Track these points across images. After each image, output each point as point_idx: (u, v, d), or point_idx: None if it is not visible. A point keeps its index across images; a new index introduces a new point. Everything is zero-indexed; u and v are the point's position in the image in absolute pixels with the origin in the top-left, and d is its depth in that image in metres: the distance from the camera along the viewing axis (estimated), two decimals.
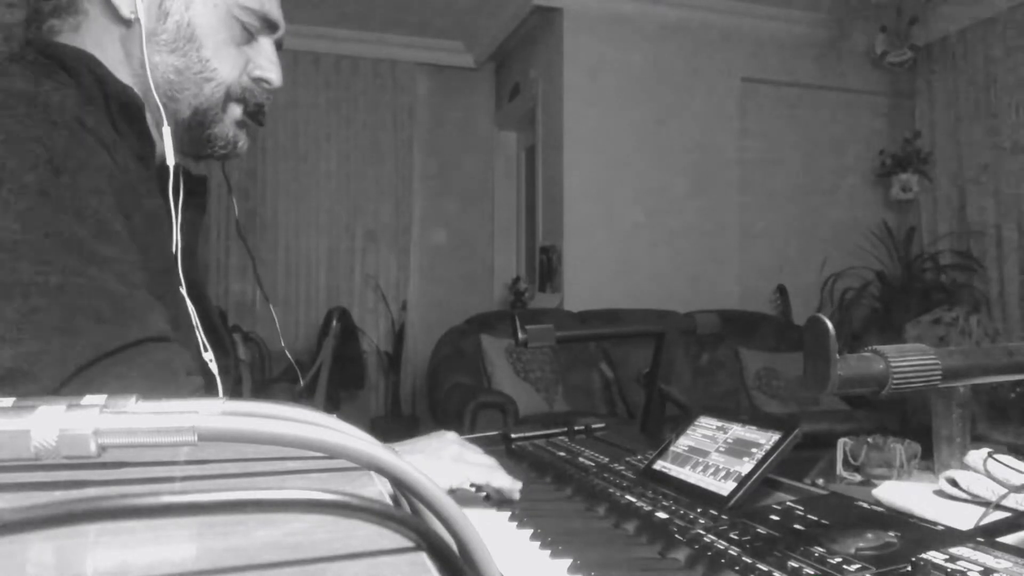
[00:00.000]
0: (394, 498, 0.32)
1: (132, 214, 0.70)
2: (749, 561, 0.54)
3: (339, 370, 3.80)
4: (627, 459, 0.91)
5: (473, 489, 0.83)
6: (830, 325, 0.48)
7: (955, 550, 0.52)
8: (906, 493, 0.87)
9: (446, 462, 0.80)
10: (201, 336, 0.79)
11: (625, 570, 0.59)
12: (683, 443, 0.82)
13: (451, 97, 5.36)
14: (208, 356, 0.79)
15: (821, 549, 0.54)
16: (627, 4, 4.39)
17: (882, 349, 0.50)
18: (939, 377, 0.51)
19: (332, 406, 3.64)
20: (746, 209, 4.65)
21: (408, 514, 0.27)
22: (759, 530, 0.61)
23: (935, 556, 0.51)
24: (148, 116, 0.79)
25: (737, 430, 0.77)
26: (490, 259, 5.44)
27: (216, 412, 0.28)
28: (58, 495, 0.28)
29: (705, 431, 0.81)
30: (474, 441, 0.93)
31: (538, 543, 0.65)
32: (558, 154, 4.35)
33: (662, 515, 0.67)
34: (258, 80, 0.86)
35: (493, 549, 0.28)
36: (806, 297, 4.67)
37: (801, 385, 3.81)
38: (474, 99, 5.39)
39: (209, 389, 0.76)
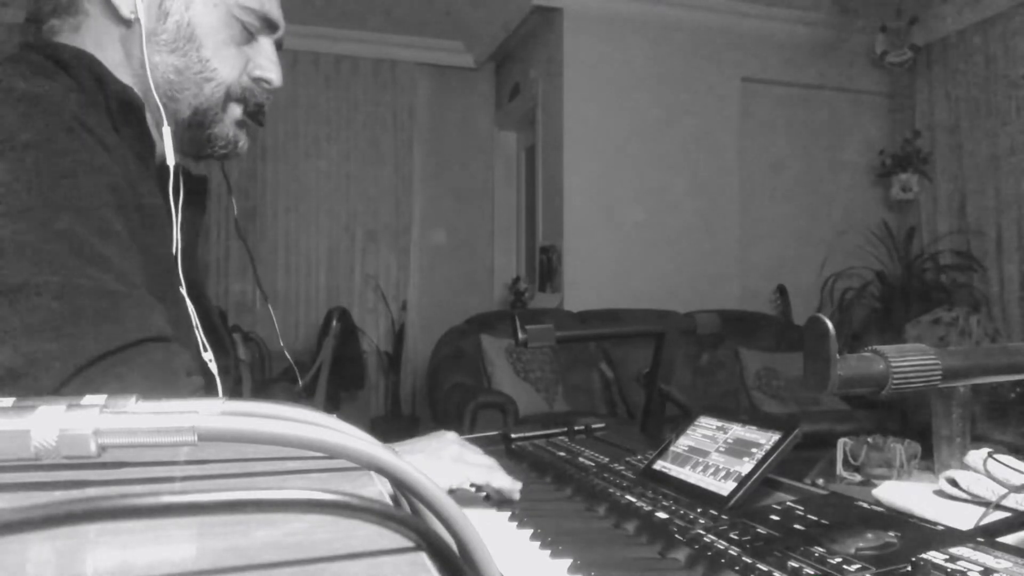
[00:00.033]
0: (394, 498, 0.32)
1: (132, 214, 0.70)
2: (749, 561, 0.54)
3: (339, 370, 3.80)
4: (627, 459, 0.91)
5: (473, 489, 0.83)
6: (830, 325, 0.48)
7: (955, 550, 0.52)
8: (906, 493, 0.87)
9: (446, 462, 0.80)
10: (201, 336, 0.79)
11: (625, 570, 0.59)
12: (683, 443, 0.82)
13: (451, 97, 5.36)
14: (208, 356, 0.79)
15: (821, 549, 0.54)
16: (627, 4, 4.39)
17: (882, 349, 0.50)
18: (939, 377, 0.51)
19: (332, 406, 3.64)
20: (746, 209, 4.65)
21: (408, 514, 0.27)
22: (759, 530, 0.61)
23: (935, 556, 0.51)
24: (148, 116, 0.79)
25: (737, 430, 0.77)
26: (490, 259, 5.44)
27: (216, 412, 0.28)
28: (58, 495, 0.28)
29: (705, 431, 0.81)
30: (474, 441, 0.93)
31: (538, 543, 0.65)
32: (558, 154, 4.35)
33: (662, 515, 0.67)
34: (258, 80, 0.86)
35: (493, 549, 0.28)
36: (806, 297, 4.67)
37: (801, 385, 3.81)
38: (474, 99, 5.39)
39: (209, 389, 0.76)
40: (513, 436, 1.10)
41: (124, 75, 0.78)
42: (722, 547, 0.58)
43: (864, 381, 0.49)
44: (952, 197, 4.61)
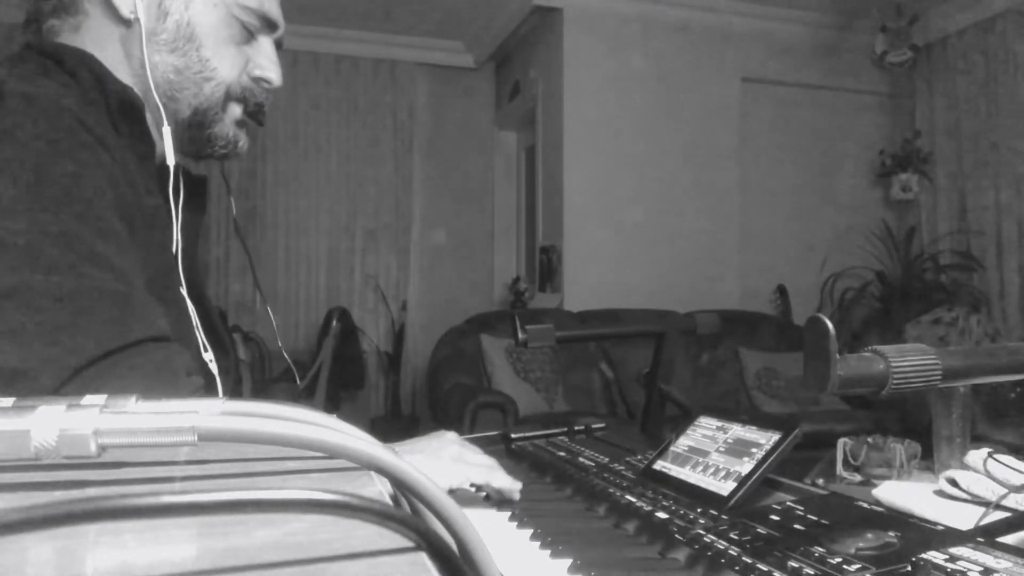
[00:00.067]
0: (394, 498, 0.32)
1: (132, 214, 0.70)
2: (749, 561, 0.54)
3: (339, 370, 3.80)
4: (627, 459, 0.91)
5: (473, 489, 0.83)
6: (830, 325, 0.48)
7: (955, 550, 0.52)
8: (906, 493, 0.87)
9: (446, 462, 0.80)
10: (201, 336, 0.79)
11: (625, 570, 0.59)
12: (683, 443, 0.82)
13: (451, 97, 5.36)
14: (208, 356, 0.79)
15: (821, 549, 0.54)
16: (627, 4, 4.39)
17: (882, 349, 0.50)
18: (939, 377, 0.51)
19: (332, 406, 3.64)
20: (746, 209, 4.65)
21: (408, 514, 0.27)
22: (759, 530, 0.61)
23: (935, 556, 0.51)
24: (148, 116, 0.79)
25: (737, 430, 0.77)
26: (490, 259, 5.44)
27: (216, 412, 0.28)
28: (58, 495, 0.28)
29: (705, 431, 0.81)
30: (474, 441, 0.93)
31: (538, 543, 0.65)
32: (558, 154, 4.35)
33: (662, 515, 0.67)
34: (258, 79, 0.86)
35: (493, 549, 0.28)
36: (806, 297, 4.67)
37: (801, 385, 3.81)
38: (474, 99, 5.39)
39: (209, 389, 0.76)
40: (513, 436, 1.09)
41: (124, 75, 0.78)
42: (722, 547, 0.58)
43: (864, 381, 0.49)
44: (952, 197, 4.61)
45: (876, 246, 4.82)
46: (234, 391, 0.86)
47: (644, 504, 0.71)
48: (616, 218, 4.35)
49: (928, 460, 1.07)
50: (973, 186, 4.45)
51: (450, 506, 0.27)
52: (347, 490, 0.25)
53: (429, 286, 5.27)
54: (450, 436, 0.86)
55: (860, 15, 4.63)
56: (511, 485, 0.79)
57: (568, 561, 0.59)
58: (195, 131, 0.83)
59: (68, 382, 0.58)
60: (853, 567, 0.51)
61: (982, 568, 0.49)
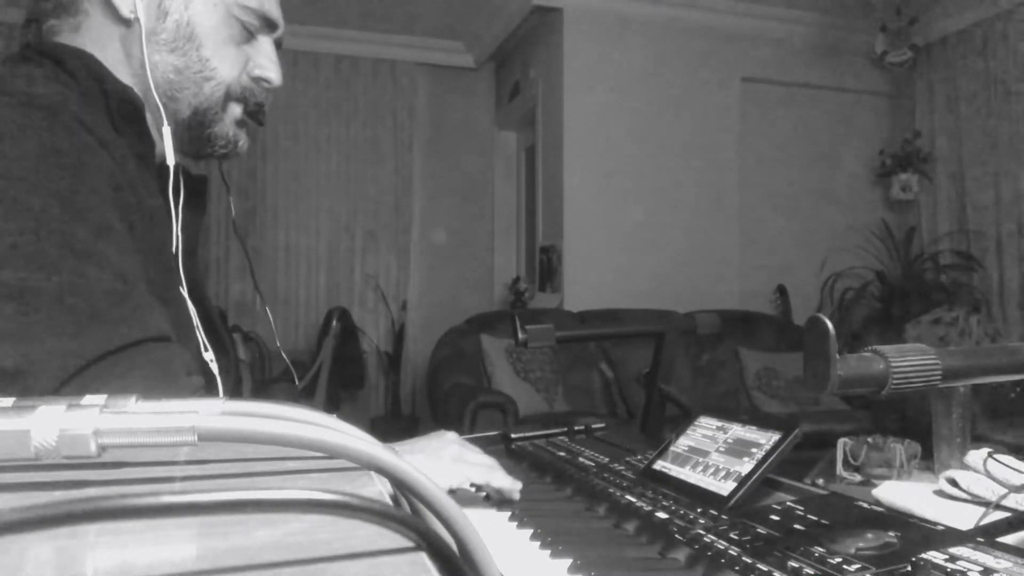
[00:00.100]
0: (394, 498, 0.32)
1: (132, 214, 0.70)
2: (749, 561, 0.54)
3: (339, 370, 3.80)
4: (627, 459, 0.91)
5: (473, 489, 0.83)
6: (830, 325, 0.48)
7: (955, 550, 0.52)
8: (906, 493, 0.87)
9: (446, 462, 0.80)
10: (201, 336, 0.79)
11: (625, 570, 0.59)
12: (683, 443, 0.82)
13: (451, 97, 5.36)
14: (209, 356, 0.79)
15: (821, 549, 0.54)
16: (627, 4, 4.39)
17: (882, 349, 0.50)
18: (939, 377, 0.51)
19: (332, 406, 3.64)
20: (746, 209, 4.65)
21: (408, 514, 0.27)
22: (759, 530, 0.61)
23: (935, 556, 0.51)
24: (148, 116, 0.79)
25: (737, 430, 0.77)
26: (490, 259, 5.44)
27: (216, 412, 0.28)
28: (58, 495, 0.28)
29: (705, 431, 0.81)
30: (474, 441, 0.93)
31: (538, 543, 0.65)
32: (558, 154, 4.35)
33: (662, 515, 0.67)
34: (258, 79, 0.86)
35: (493, 549, 0.28)
36: (806, 297, 4.67)
37: (801, 385, 3.81)
38: (474, 99, 5.39)
39: (209, 389, 0.76)
40: (513, 436, 1.09)
41: (124, 75, 0.78)
42: (722, 547, 0.58)
43: (864, 381, 0.49)
44: (952, 197, 4.61)
45: (876, 246, 4.82)
46: (234, 391, 0.86)
47: (644, 504, 0.71)
48: (616, 218, 4.35)
49: (928, 460, 1.07)
50: (973, 186, 4.45)
51: (450, 506, 0.27)
52: (347, 490, 0.25)
53: (429, 286, 5.27)
54: (450, 436, 0.86)
55: (860, 15, 4.63)
56: (511, 485, 0.79)
57: (568, 561, 0.59)
58: (195, 131, 0.83)
59: (68, 382, 0.58)
60: (853, 567, 0.51)
61: (982, 568, 0.49)
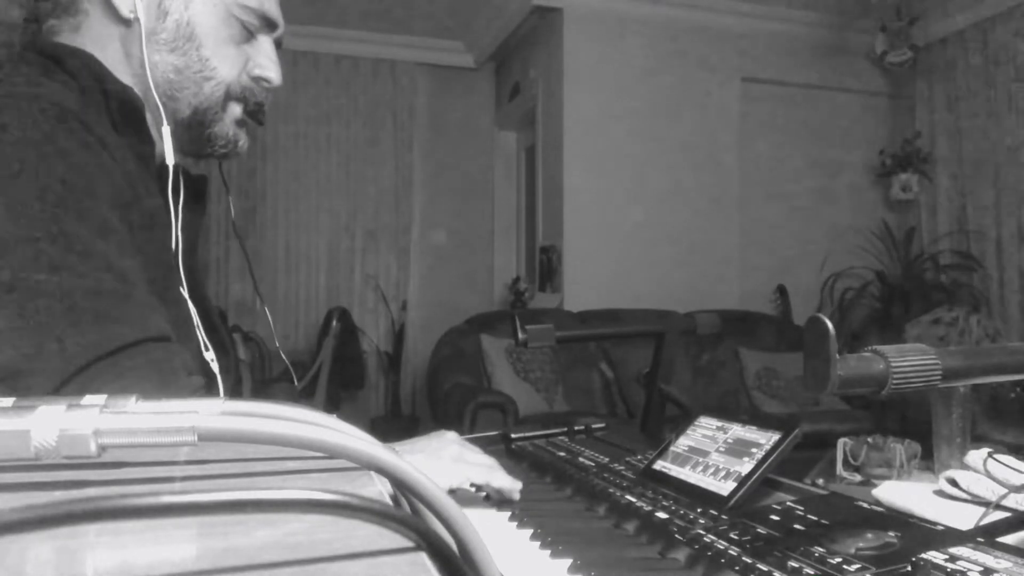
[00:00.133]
0: (394, 498, 0.32)
1: (132, 214, 0.70)
2: (749, 561, 0.54)
3: (339, 370, 3.81)
4: (627, 459, 0.91)
5: (473, 489, 0.83)
6: (830, 325, 0.48)
7: (955, 550, 0.52)
8: (906, 493, 0.87)
9: (446, 462, 0.79)
10: (202, 335, 0.79)
11: (625, 570, 0.59)
12: (683, 443, 0.82)
13: (451, 97, 5.36)
14: (210, 356, 0.79)
15: (821, 549, 0.54)
16: (627, 4, 4.39)
17: (882, 349, 0.50)
18: (939, 377, 0.51)
19: (332, 406, 3.64)
20: (746, 209, 4.65)
21: (408, 514, 0.27)
22: (759, 530, 0.61)
23: (935, 556, 0.51)
24: (148, 116, 0.79)
25: (737, 430, 0.77)
26: (490, 259, 5.44)
27: (216, 412, 0.28)
28: (58, 495, 0.28)
29: (705, 431, 0.81)
30: (474, 441, 0.93)
31: (538, 543, 0.65)
32: (558, 154, 4.35)
33: (662, 515, 0.67)
34: (258, 79, 0.86)
35: (493, 549, 0.28)
36: (806, 297, 4.67)
37: (801, 385, 3.81)
38: (474, 99, 5.39)
39: (210, 389, 0.76)
40: (513, 436, 1.09)
41: (124, 75, 0.78)
42: (722, 547, 0.58)
43: (864, 381, 0.49)
44: (952, 197, 4.61)
45: (876, 246, 4.82)
46: (234, 391, 0.86)
47: (644, 504, 0.71)
48: (616, 218, 4.35)
49: (928, 460, 1.07)
50: (973, 186, 4.45)
51: (450, 506, 0.27)
52: (347, 490, 0.25)
53: (429, 286, 5.27)
54: (450, 436, 0.86)
55: (860, 15, 4.63)
56: (511, 485, 0.79)
57: (568, 561, 0.59)
58: (195, 131, 0.83)
59: (68, 382, 0.58)
60: (853, 567, 0.51)
61: (982, 568, 0.49)
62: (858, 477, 1.12)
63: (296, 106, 4.94)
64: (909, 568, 0.50)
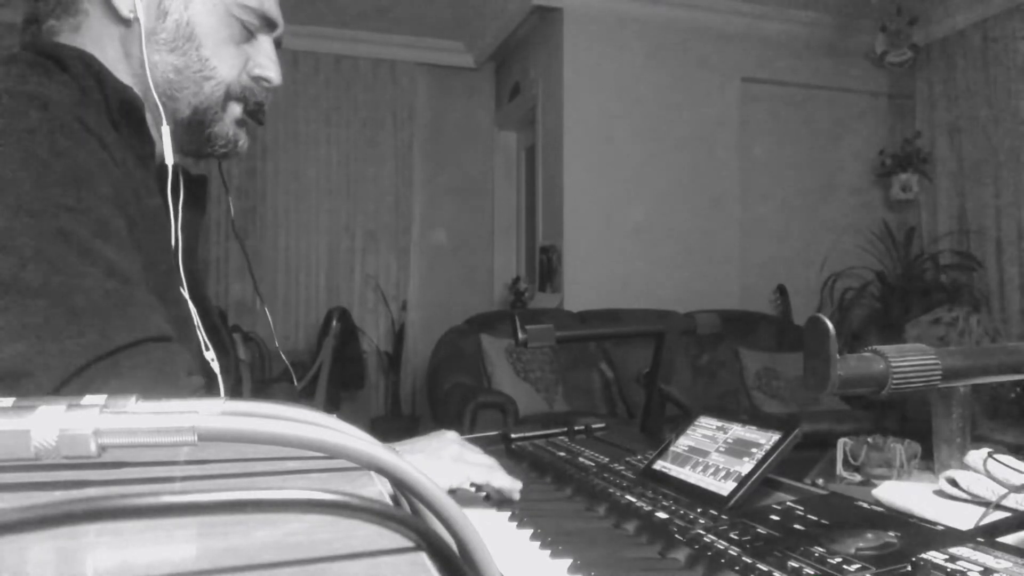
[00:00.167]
0: (394, 498, 0.32)
1: (132, 214, 0.70)
2: (749, 561, 0.54)
3: (339, 370, 3.81)
4: (627, 459, 0.91)
5: (473, 489, 0.83)
6: (830, 325, 0.48)
7: (955, 550, 0.52)
8: (906, 493, 0.87)
9: (446, 462, 0.79)
10: (202, 335, 0.79)
11: (625, 570, 0.59)
12: (683, 443, 0.82)
13: (451, 97, 5.36)
14: (209, 356, 0.79)
15: (821, 549, 0.54)
16: (627, 4, 4.39)
17: (882, 349, 0.50)
18: (939, 377, 0.51)
19: (332, 406, 3.64)
20: (746, 209, 4.65)
21: (408, 514, 0.27)
22: (759, 530, 0.61)
23: (935, 556, 0.51)
24: (148, 116, 0.79)
25: (737, 430, 0.77)
26: (490, 259, 5.44)
27: (216, 412, 0.28)
28: (58, 495, 0.28)
29: (705, 431, 0.81)
30: (474, 441, 0.93)
31: (538, 543, 0.65)
32: (558, 154, 4.35)
33: (662, 515, 0.67)
34: (257, 79, 0.86)
35: (493, 549, 0.28)
36: (806, 297, 4.67)
37: (801, 385, 3.81)
38: (474, 99, 5.39)
39: (210, 389, 0.76)
40: (513, 436, 1.09)
41: (123, 74, 0.78)
42: (722, 547, 0.58)
43: (864, 381, 0.49)
44: (952, 197, 4.61)
45: (876, 246, 4.82)
46: (234, 391, 0.86)
47: (644, 504, 0.71)
48: (616, 218, 4.35)
49: (928, 460, 1.07)
50: (973, 186, 4.45)
51: (450, 506, 0.27)
52: (347, 490, 0.25)
53: (429, 286, 5.27)
54: (450, 436, 0.86)
55: (860, 15, 4.63)
56: (511, 485, 0.79)
57: (568, 561, 0.59)
58: (195, 130, 0.83)
59: (68, 382, 0.58)
60: (853, 567, 0.51)
61: (982, 568, 0.49)
62: (858, 477, 1.12)
63: (296, 106, 4.93)
64: (909, 568, 0.50)
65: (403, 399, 4.97)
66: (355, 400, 4.69)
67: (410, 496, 0.28)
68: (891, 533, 0.56)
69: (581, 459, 0.94)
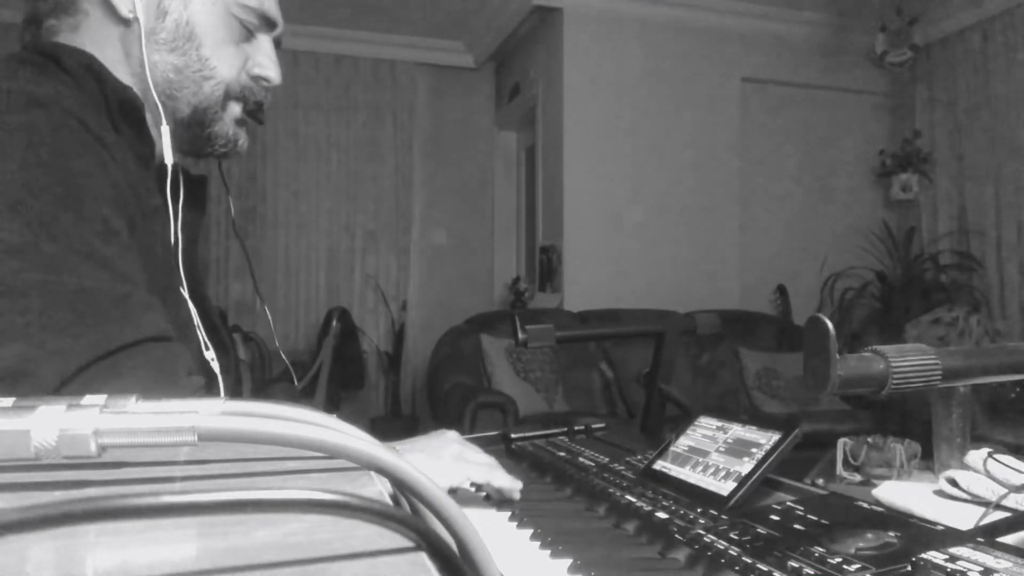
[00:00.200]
0: (394, 498, 0.32)
1: (132, 214, 0.70)
2: (749, 561, 0.54)
3: (339, 370, 3.81)
4: (627, 459, 0.91)
5: (473, 489, 0.83)
6: (830, 325, 0.48)
7: (955, 550, 0.52)
8: (906, 493, 0.87)
9: (447, 461, 0.80)
10: (202, 335, 0.79)
11: (625, 570, 0.59)
12: (683, 443, 0.82)
13: (451, 97, 5.36)
14: (209, 355, 0.79)
15: (821, 549, 0.54)
16: (627, 4, 4.40)
17: (882, 349, 0.50)
18: (939, 377, 0.51)
19: (332, 406, 3.64)
20: (746, 208, 4.65)
21: (408, 514, 0.27)
22: (759, 530, 0.61)
23: (935, 556, 0.51)
24: (148, 115, 0.79)
25: (737, 430, 0.77)
26: (490, 259, 5.44)
27: (216, 412, 0.28)
28: (58, 495, 0.28)
29: (705, 431, 0.81)
30: (474, 441, 0.93)
31: (538, 543, 0.65)
32: (558, 154, 4.35)
33: (662, 515, 0.67)
34: (257, 78, 0.86)
35: (493, 549, 0.28)
36: (806, 297, 4.67)
37: (801, 385, 3.81)
38: (474, 99, 5.39)
39: (210, 388, 0.76)
40: (513, 436, 1.09)
41: (123, 74, 0.78)
42: (722, 547, 0.58)
43: (864, 381, 0.49)
44: (952, 197, 4.61)
45: (876, 246, 4.82)
46: (234, 391, 0.86)
47: (644, 504, 0.71)
48: (616, 218, 4.35)
49: (928, 460, 1.07)
50: (973, 186, 4.45)
51: (450, 506, 0.27)
52: (347, 490, 0.25)
53: (429, 286, 5.27)
54: (451, 435, 0.86)
55: (860, 15, 4.63)
56: (512, 484, 0.79)
57: (568, 561, 0.59)
58: (195, 130, 0.83)
59: (69, 382, 0.58)
60: (853, 567, 0.51)
61: (982, 568, 0.49)
62: (858, 477, 1.12)
63: (296, 106, 4.94)
64: (909, 568, 0.50)
65: (403, 399, 4.97)
66: (355, 400, 4.69)
67: (410, 496, 0.28)
68: (891, 533, 0.56)
69: (581, 459, 0.94)
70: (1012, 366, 0.56)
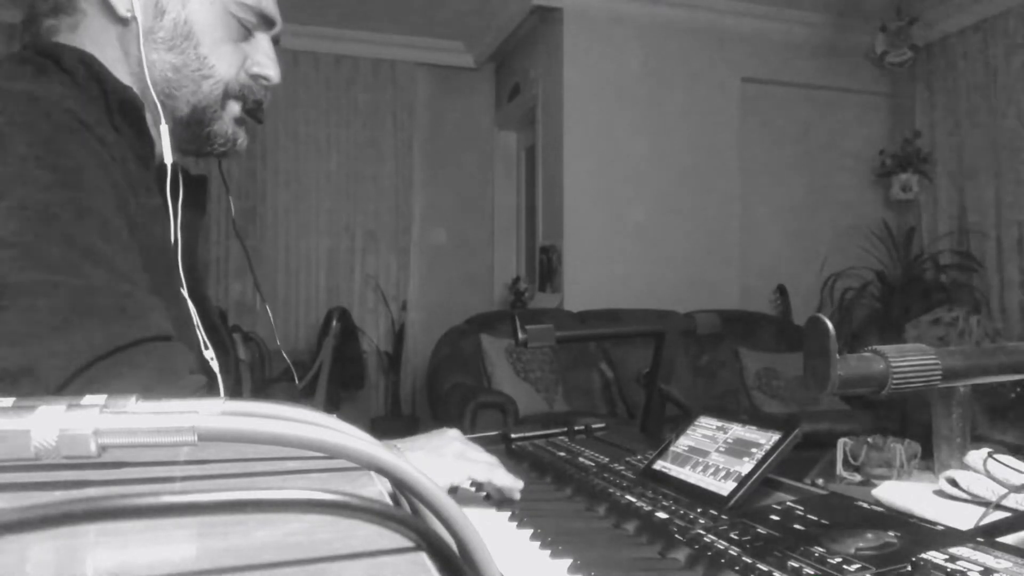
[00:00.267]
0: (394, 498, 0.32)
1: (133, 213, 0.70)
2: (749, 561, 0.54)
3: (339, 370, 3.81)
4: (627, 459, 0.91)
5: (473, 488, 0.83)
6: (830, 325, 0.48)
7: (955, 550, 0.52)
8: (906, 493, 0.87)
9: (448, 459, 0.80)
10: (202, 335, 0.79)
11: (625, 570, 0.59)
12: (683, 443, 0.82)
13: (451, 97, 5.36)
14: (209, 355, 0.79)
15: (821, 549, 0.54)
16: (627, 4, 4.39)
17: (882, 349, 0.50)
18: (939, 377, 0.51)
19: (332, 406, 3.64)
20: (746, 209, 4.65)
21: (408, 514, 0.27)
22: (759, 530, 0.61)
23: (935, 556, 0.51)
24: (147, 115, 0.79)
25: (737, 430, 0.77)
26: (490, 259, 5.44)
27: (216, 412, 0.28)
28: (58, 495, 0.28)
29: (705, 431, 0.81)
30: (474, 441, 0.93)
31: (538, 543, 0.65)
32: (558, 154, 4.35)
33: (662, 515, 0.67)
34: (256, 77, 0.85)
35: (493, 549, 0.28)
36: (806, 297, 4.67)
37: (801, 385, 3.81)
38: (474, 99, 5.39)
39: (210, 388, 0.76)
40: (513, 436, 1.09)
41: (122, 74, 0.78)
42: (722, 547, 0.58)
43: (864, 381, 0.49)
44: (952, 197, 4.61)
45: (876, 246, 4.82)
46: (234, 391, 0.86)
47: (644, 504, 0.71)
48: (616, 218, 4.35)
49: (928, 460, 1.07)
50: (973, 186, 4.45)
51: (450, 506, 0.27)
52: (347, 490, 0.25)
53: (429, 286, 5.27)
54: (452, 433, 0.86)
55: (860, 15, 4.63)
56: (513, 483, 0.79)
57: (568, 561, 0.59)
58: (194, 129, 0.83)
59: (70, 382, 0.58)
60: (853, 567, 0.51)
61: (982, 568, 0.49)
62: (858, 477, 1.12)
63: (296, 106, 4.94)
64: (909, 568, 0.50)
65: (403, 399, 4.97)
66: (355, 400, 4.69)
67: (410, 496, 0.28)
68: (891, 533, 0.56)
69: (581, 459, 0.94)
70: (1012, 366, 0.56)
